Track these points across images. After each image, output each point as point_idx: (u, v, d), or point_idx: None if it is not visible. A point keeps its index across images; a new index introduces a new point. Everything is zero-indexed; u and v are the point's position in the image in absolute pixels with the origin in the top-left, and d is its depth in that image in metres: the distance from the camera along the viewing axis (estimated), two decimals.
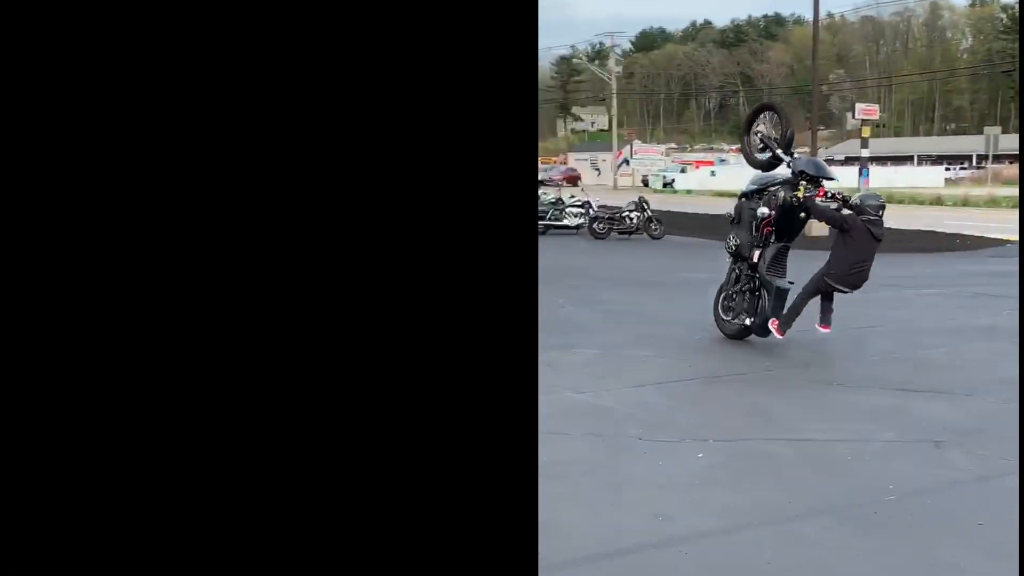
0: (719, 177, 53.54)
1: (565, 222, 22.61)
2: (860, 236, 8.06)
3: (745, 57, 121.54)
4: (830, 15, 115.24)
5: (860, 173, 25.68)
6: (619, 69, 76.20)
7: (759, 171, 8.91)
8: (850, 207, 8.29)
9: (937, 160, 76.33)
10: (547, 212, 22.57)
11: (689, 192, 50.17)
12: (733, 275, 8.99)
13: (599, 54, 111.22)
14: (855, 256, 8.11)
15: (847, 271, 8.14)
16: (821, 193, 8.38)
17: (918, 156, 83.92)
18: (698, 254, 18.45)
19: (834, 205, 8.40)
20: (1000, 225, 23.79)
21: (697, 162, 65.31)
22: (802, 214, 8.48)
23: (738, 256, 8.91)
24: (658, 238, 21.61)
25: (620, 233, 21.81)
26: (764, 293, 8.65)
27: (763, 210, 8.50)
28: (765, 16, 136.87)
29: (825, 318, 8.37)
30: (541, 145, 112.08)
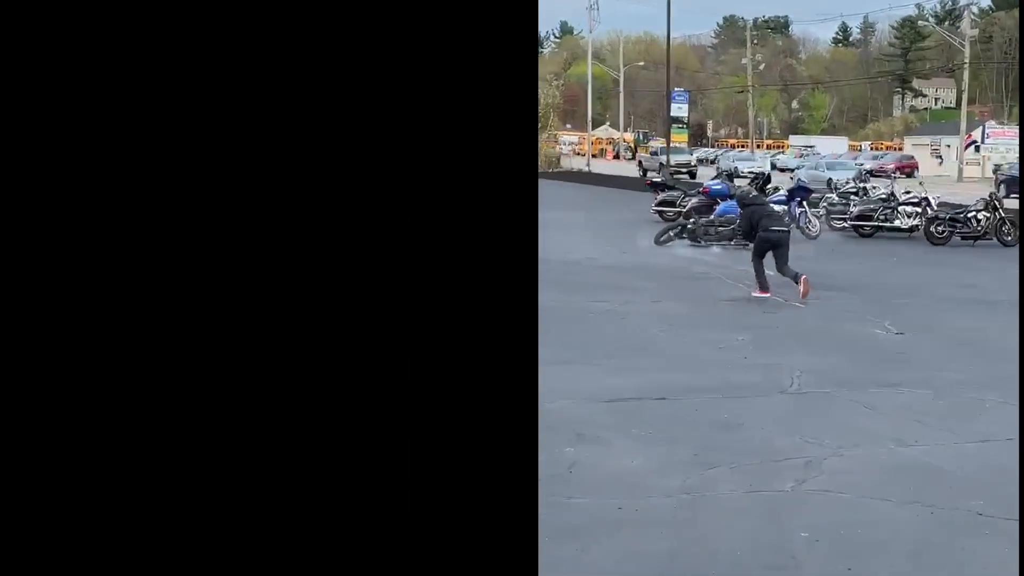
0: None
1: (897, 223, 21.61)
2: None
3: None
4: None
5: None
6: (975, 32, 71.95)
7: None
8: None
9: None
10: (876, 211, 21.68)
11: None
12: None
13: (950, 14, 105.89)
14: None
15: None
16: None
17: None
18: None
19: None
20: None
21: None
22: None
23: None
24: (1012, 245, 20.21)
25: (964, 238, 20.60)
26: None
27: None
28: None
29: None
30: (872, 127, 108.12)
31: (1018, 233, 19.87)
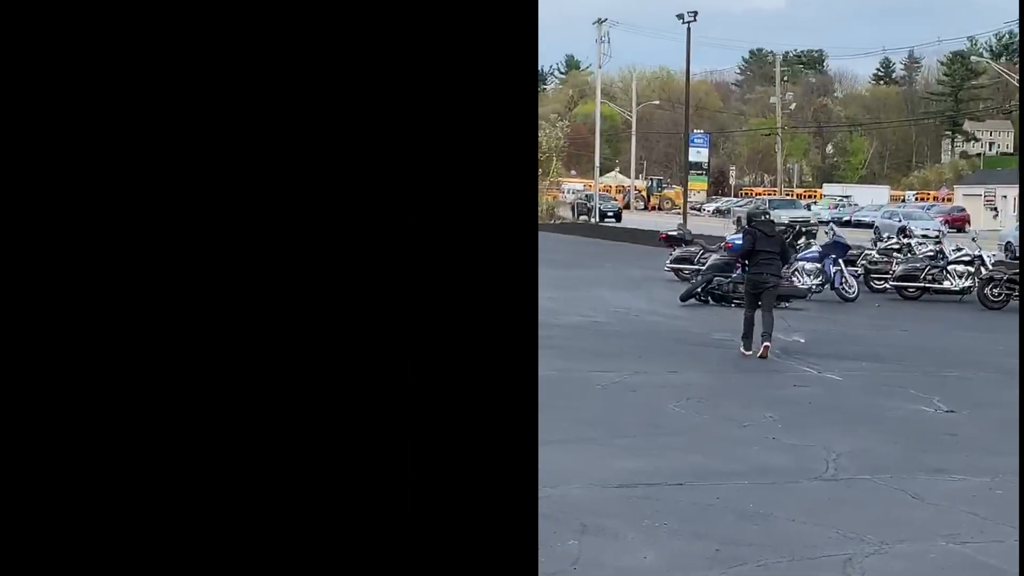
0: None
1: (946, 284, 21.62)
2: None
3: None
4: None
5: None
6: None
7: None
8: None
9: None
10: (922, 270, 21.70)
11: None
12: None
13: (1007, 48, 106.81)
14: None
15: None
16: None
17: None
18: None
19: None
20: None
21: None
22: None
23: None
24: None
25: None
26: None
27: None
28: None
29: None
30: (917, 174, 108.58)
31: None
